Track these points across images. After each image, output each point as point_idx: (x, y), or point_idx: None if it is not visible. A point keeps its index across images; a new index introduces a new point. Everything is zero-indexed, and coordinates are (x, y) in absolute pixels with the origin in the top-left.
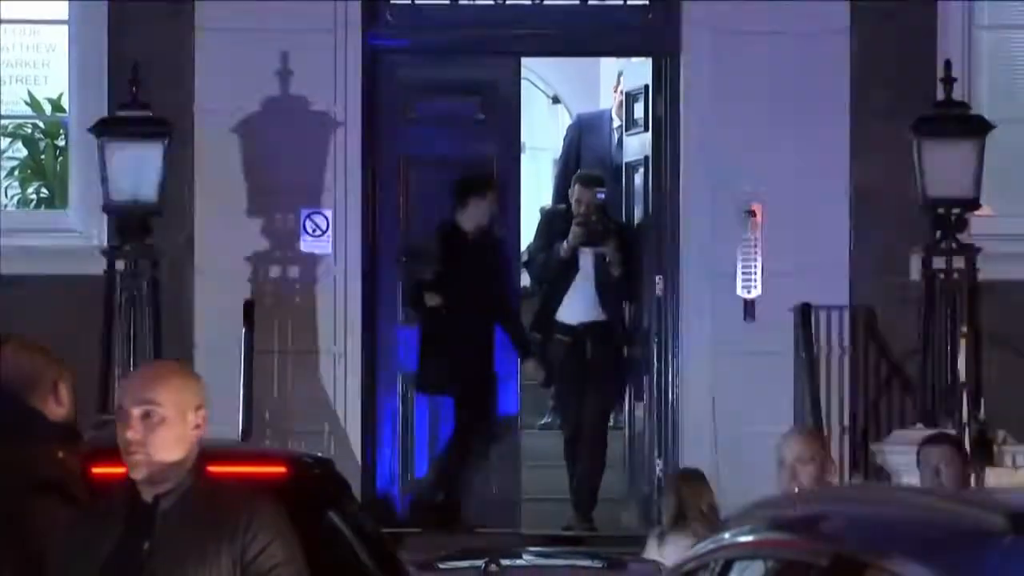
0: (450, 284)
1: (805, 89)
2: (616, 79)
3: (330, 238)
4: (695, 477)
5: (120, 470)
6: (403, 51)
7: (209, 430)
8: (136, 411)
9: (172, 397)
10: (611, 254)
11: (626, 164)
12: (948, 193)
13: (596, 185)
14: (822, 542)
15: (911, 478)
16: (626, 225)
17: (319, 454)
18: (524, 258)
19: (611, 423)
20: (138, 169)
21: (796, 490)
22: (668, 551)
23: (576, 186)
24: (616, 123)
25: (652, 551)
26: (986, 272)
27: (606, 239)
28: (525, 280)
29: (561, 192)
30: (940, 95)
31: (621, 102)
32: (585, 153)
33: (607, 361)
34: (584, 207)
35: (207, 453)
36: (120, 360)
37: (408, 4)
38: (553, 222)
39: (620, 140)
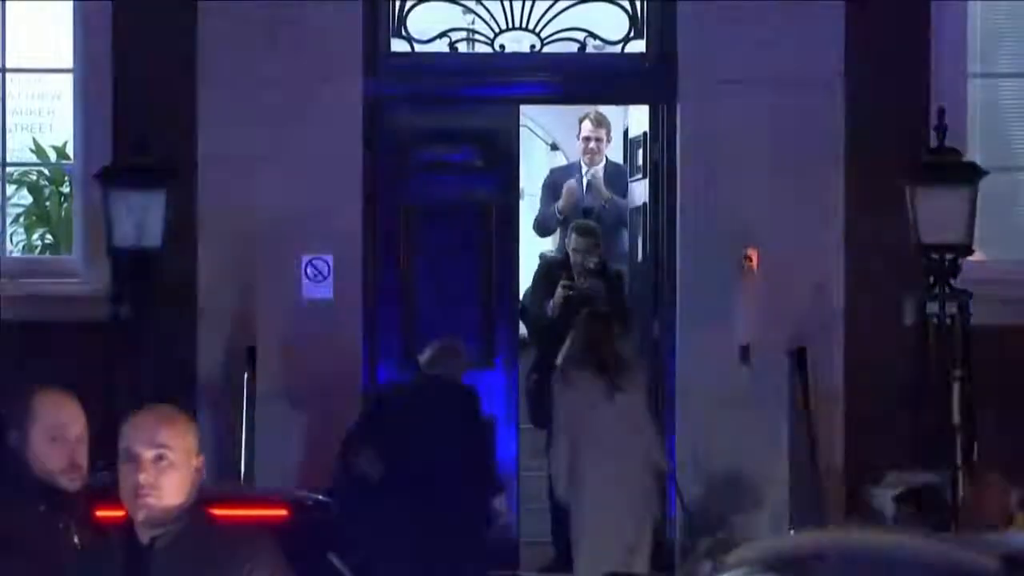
0: None
1: (800, 135)
2: (578, 126)
3: (331, 283)
4: (601, 316)
5: (121, 513)
6: (403, 98)
7: (211, 473)
8: (149, 454)
9: (180, 442)
10: (601, 304)
11: (630, 210)
12: (941, 239)
13: (588, 235)
14: None
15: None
16: (618, 273)
17: (320, 496)
18: (522, 306)
19: None
20: (142, 216)
21: None
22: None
23: (572, 235)
24: (585, 169)
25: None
26: (979, 317)
27: (594, 294)
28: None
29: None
30: (933, 142)
31: (590, 149)
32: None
33: None
34: (579, 259)
35: (209, 496)
36: (123, 405)
37: (408, 52)
38: (551, 272)
39: (591, 183)
